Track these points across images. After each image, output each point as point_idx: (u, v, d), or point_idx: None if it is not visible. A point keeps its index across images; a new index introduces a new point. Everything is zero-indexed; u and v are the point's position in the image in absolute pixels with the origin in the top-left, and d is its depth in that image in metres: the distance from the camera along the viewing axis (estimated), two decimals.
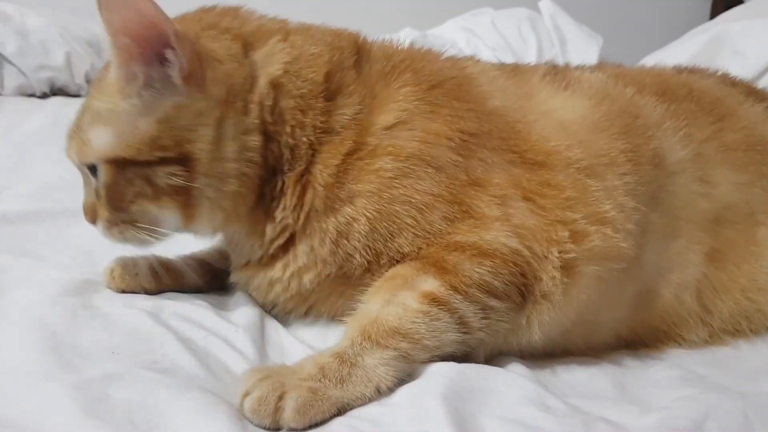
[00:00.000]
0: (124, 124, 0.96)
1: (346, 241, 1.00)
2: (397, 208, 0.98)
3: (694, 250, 1.11)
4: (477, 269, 0.93)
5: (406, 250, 0.98)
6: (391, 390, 0.87)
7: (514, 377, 0.89)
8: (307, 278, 1.03)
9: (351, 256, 1.00)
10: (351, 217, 0.99)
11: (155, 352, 0.90)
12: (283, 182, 1.02)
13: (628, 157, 1.05)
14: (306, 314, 1.09)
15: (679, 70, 1.40)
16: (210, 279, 1.18)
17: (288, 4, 3.33)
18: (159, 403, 0.77)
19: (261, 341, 1.00)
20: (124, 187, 0.98)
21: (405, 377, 0.88)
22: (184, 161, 0.97)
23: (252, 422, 0.80)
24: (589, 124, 1.08)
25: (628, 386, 0.95)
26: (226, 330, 1.00)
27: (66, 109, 2.41)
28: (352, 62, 1.07)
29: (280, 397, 0.81)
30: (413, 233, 0.98)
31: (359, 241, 0.99)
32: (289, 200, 1.02)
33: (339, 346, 0.89)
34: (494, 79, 1.14)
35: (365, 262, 1.00)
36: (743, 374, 1.00)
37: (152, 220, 1.00)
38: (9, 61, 2.69)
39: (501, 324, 0.95)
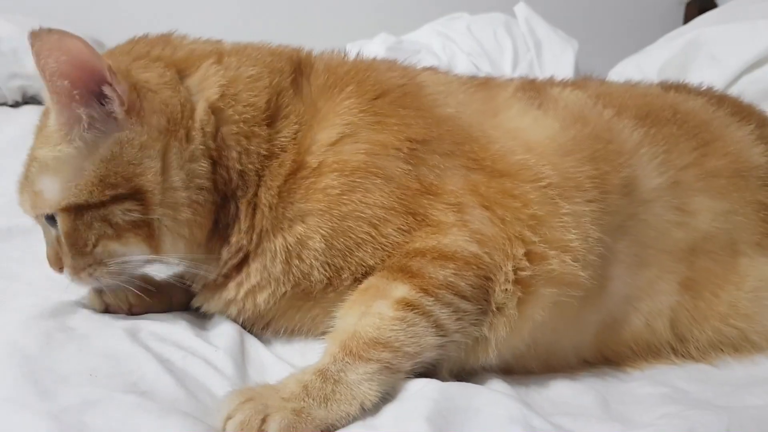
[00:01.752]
0: (71, 169, 0.95)
1: (298, 260, 0.99)
2: (350, 224, 0.97)
3: (666, 280, 1.09)
4: (441, 271, 0.93)
5: (370, 262, 0.98)
6: (375, 406, 0.86)
7: (497, 396, 0.88)
8: (261, 298, 1.02)
9: (308, 273, 0.99)
10: (303, 236, 0.98)
11: (133, 374, 0.88)
12: (237, 207, 1.01)
13: (594, 183, 1.03)
14: (263, 330, 1.08)
15: (666, 88, 1.36)
16: None
17: (263, 13, 3.34)
18: (139, 429, 0.76)
19: (241, 360, 0.99)
20: (85, 232, 0.96)
21: (389, 391, 0.88)
22: (137, 195, 0.96)
23: None
24: (556, 147, 1.05)
25: (612, 403, 0.94)
26: (205, 349, 0.99)
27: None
28: (290, 81, 1.06)
29: (264, 420, 0.79)
30: (372, 246, 0.97)
31: (316, 259, 0.98)
32: (242, 223, 1.01)
33: (321, 363, 0.88)
34: (452, 90, 1.13)
35: (325, 278, 0.99)
36: (726, 388, 1.00)
37: (120, 257, 0.99)
38: None
39: (473, 327, 0.95)
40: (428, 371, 0.95)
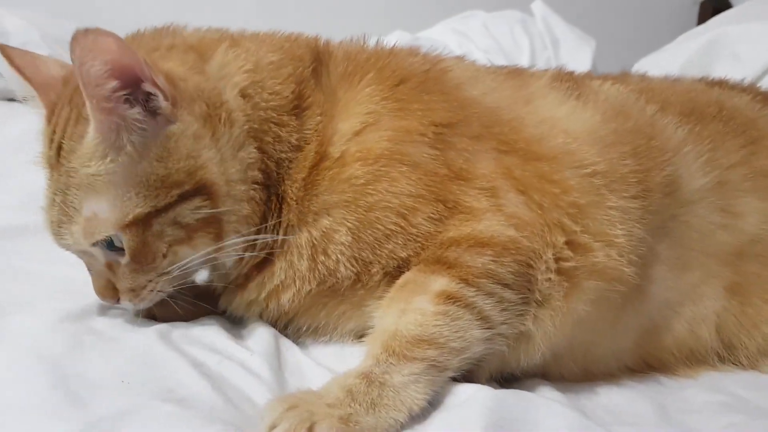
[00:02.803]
0: (126, 178, 0.88)
1: (324, 256, 0.94)
2: (377, 215, 0.92)
3: (710, 284, 1.05)
4: (479, 258, 0.89)
5: (402, 254, 0.93)
6: (423, 413, 0.82)
7: (554, 406, 0.83)
8: (286, 297, 0.98)
9: (334, 269, 0.95)
10: (329, 229, 0.94)
11: (168, 380, 0.83)
12: (269, 204, 0.97)
13: (638, 178, 0.98)
14: (285, 328, 1.03)
15: (711, 84, 1.31)
16: None
17: (275, 11, 3.30)
18: None
19: (277, 364, 0.94)
20: (155, 243, 0.90)
21: (437, 397, 0.84)
22: (203, 190, 0.90)
23: None
24: (596, 139, 1.00)
25: (670, 410, 0.90)
26: (240, 353, 0.94)
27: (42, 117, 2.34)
28: (311, 71, 1.01)
29: (310, 429, 0.75)
30: (403, 237, 0.92)
31: (342, 253, 0.94)
32: (271, 220, 0.96)
33: (364, 365, 0.84)
34: (479, 76, 1.08)
35: (353, 274, 0.95)
36: None
37: (182, 263, 0.93)
38: None
39: (518, 318, 0.91)
40: (466, 376, 0.91)
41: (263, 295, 0.98)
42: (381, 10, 3.37)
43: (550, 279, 0.90)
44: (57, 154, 0.92)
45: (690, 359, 1.05)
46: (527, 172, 0.93)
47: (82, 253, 0.95)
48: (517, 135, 0.97)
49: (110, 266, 0.93)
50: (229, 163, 0.92)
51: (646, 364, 1.04)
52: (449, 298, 0.87)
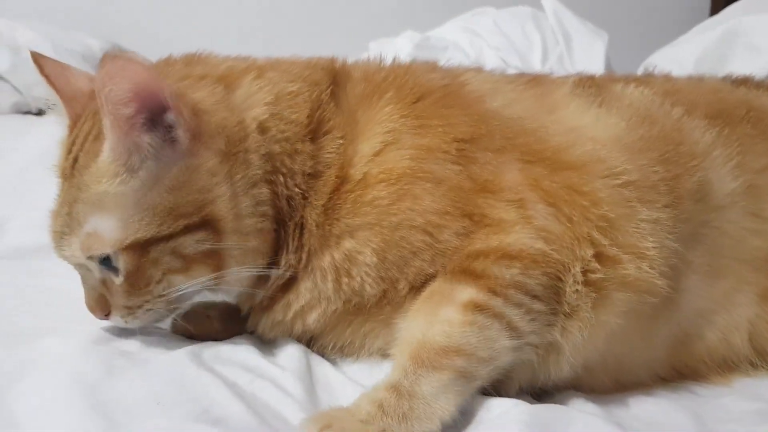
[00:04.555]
0: (134, 202, 0.88)
1: (347, 277, 0.94)
2: (402, 234, 0.92)
3: (743, 291, 1.03)
4: (507, 271, 0.88)
5: (430, 271, 0.93)
6: (456, 423, 0.82)
7: (589, 419, 0.83)
8: (311, 318, 0.98)
9: (359, 289, 0.94)
10: (352, 251, 0.93)
11: (202, 400, 0.83)
12: (285, 232, 0.96)
13: (669, 186, 0.96)
14: (309, 346, 1.03)
15: (735, 82, 1.27)
16: None
17: (285, 11, 3.30)
18: None
19: (309, 381, 0.94)
20: (150, 269, 0.90)
21: (470, 411, 0.84)
22: (209, 224, 0.90)
23: None
24: (623, 147, 0.98)
25: (707, 420, 0.89)
26: (272, 371, 0.94)
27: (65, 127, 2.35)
28: (329, 94, 1.00)
29: None
30: (430, 254, 0.92)
31: (368, 274, 0.93)
32: (290, 245, 0.96)
33: (392, 378, 0.84)
34: (499, 87, 1.06)
35: (380, 292, 0.95)
36: None
37: (178, 289, 0.93)
38: (3, 79, 2.61)
39: (547, 329, 0.90)
40: (497, 388, 0.91)
41: (289, 316, 0.99)
42: (390, 10, 3.37)
43: (577, 290, 0.90)
44: (72, 166, 0.93)
45: (722, 367, 1.04)
46: (555, 183, 0.92)
47: (78, 266, 0.96)
48: (543, 145, 0.95)
49: (105, 282, 0.94)
50: (241, 198, 0.92)
51: (677, 372, 1.03)
52: (477, 307, 0.86)
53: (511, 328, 0.87)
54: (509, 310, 0.87)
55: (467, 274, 0.89)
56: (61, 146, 0.98)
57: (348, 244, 0.93)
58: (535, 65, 2.69)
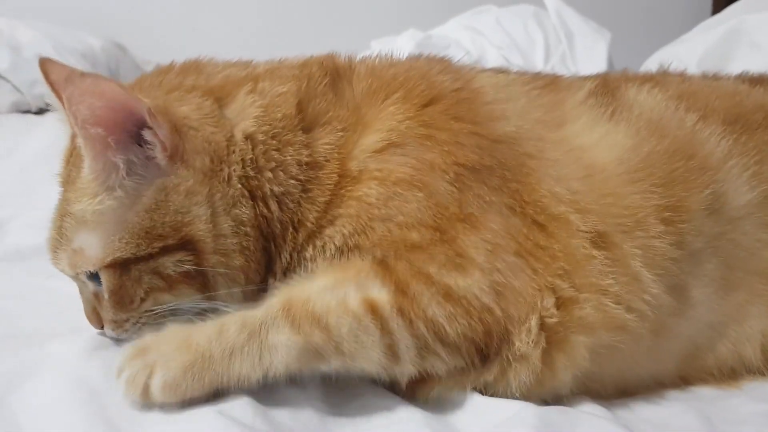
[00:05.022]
0: (113, 222, 0.88)
1: (321, 260, 0.93)
2: (374, 225, 0.90)
3: (756, 304, 1.01)
4: (435, 308, 0.84)
5: (367, 248, 0.90)
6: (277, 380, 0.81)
7: (600, 422, 0.82)
8: None
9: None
10: (329, 236, 0.92)
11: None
12: (276, 244, 0.95)
13: (662, 217, 0.93)
14: None
15: (751, 81, 1.21)
16: None
17: (288, 10, 3.29)
18: None
19: None
20: (132, 287, 0.89)
21: (301, 372, 0.83)
22: (188, 245, 0.89)
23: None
24: (622, 173, 0.95)
25: (716, 421, 0.89)
26: None
27: (66, 126, 2.34)
28: (326, 84, 0.99)
29: (149, 377, 0.78)
30: (384, 240, 0.89)
31: (329, 256, 0.92)
32: (287, 249, 0.95)
33: (251, 312, 0.83)
34: (512, 95, 1.03)
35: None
36: None
37: (167, 307, 0.92)
38: (3, 78, 2.61)
39: (441, 371, 0.87)
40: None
41: None
42: (393, 9, 3.37)
43: (529, 342, 0.87)
44: (67, 178, 0.94)
45: (731, 377, 1.02)
46: (530, 241, 0.90)
47: (73, 278, 0.95)
48: (530, 197, 0.93)
49: (97, 296, 0.93)
50: (222, 218, 0.91)
51: (685, 383, 1.02)
52: (373, 312, 0.83)
53: (391, 351, 0.83)
54: (401, 336, 0.83)
55: (397, 285, 0.85)
56: (63, 155, 0.98)
57: (329, 231, 0.92)
58: (538, 64, 2.69)
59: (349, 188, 0.92)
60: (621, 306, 0.89)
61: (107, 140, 0.85)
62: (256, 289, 0.95)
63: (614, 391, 0.96)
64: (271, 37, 3.24)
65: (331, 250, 0.91)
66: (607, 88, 1.09)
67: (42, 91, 2.62)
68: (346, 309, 0.82)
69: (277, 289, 0.89)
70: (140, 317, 0.92)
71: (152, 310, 0.92)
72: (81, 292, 0.96)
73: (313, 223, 0.93)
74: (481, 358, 0.87)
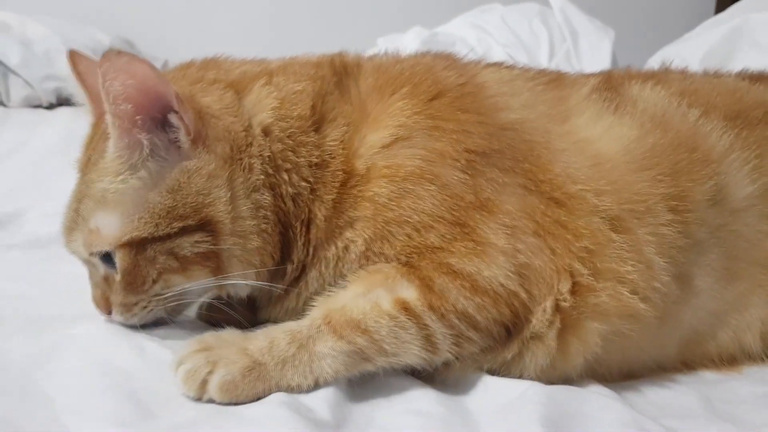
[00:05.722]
0: (134, 201, 0.90)
1: (342, 263, 0.97)
2: (392, 229, 0.93)
3: (757, 293, 1.04)
4: (463, 301, 0.88)
5: (392, 256, 0.94)
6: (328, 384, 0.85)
7: (604, 400, 0.86)
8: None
9: (346, 273, 0.97)
10: (350, 240, 0.96)
11: None
12: (293, 230, 0.98)
13: (669, 205, 0.97)
14: None
15: (753, 79, 1.23)
16: None
17: (293, 7, 3.31)
18: None
19: None
20: (146, 268, 0.92)
21: (352, 376, 0.87)
22: (206, 226, 0.92)
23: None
24: (628, 162, 0.99)
25: (715, 402, 0.92)
26: None
27: (77, 120, 2.37)
28: (333, 84, 1.02)
29: (210, 372, 0.82)
30: (408, 248, 0.93)
31: (353, 261, 0.96)
32: (299, 241, 0.98)
33: (297, 323, 0.88)
34: (516, 89, 1.06)
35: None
36: None
37: (177, 290, 0.95)
38: (14, 72, 2.63)
39: (473, 353, 0.91)
40: None
41: (301, 303, 1.01)
42: (398, 6, 3.38)
43: (546, 320, 0.91)
44: (86, 163, 0.97)
45: (731, 363, 1.06)
46: (547, 217, 0.93)
47: (85, 262, 0.98)
48: (545, 175, 0.96)
49: (107, 279, 0.96)
50: (241, 201, 0.94)
51: (687, 368, 1.05)
52: (407, 310, 0.87)
53: (429, 343, 0.88)
54: (437, 328, 0.88)
55: (423, 282, 0.90)
56: (83, 142, 1.01)
57: (348, 233, 0.96)
58: (542, 62, 2.71)
59: (360, 188, 0.96)
60: (636, 295, 0.92)
61: (135, 118, 0.89)
62: (272, 270, 0.98)
63: (619, 375, 0.99)
64: (278, 34, 3.26)
65: (355, 252, 0.95)
66: (610, 84, 1.12)
67: (53, 85, 2.66)
68: (381, 311, 0.87)
69: (312, 294, 0.96)
70: (150, 300, 0.95)
71: (161, 294, 0.94)
72: (90, 277, 0.99)
73: (322, 221, 0.97)
74: (507, 335, 0.91)
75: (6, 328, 0.95)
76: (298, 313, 1.00)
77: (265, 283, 0.98)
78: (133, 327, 0.97)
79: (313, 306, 0.92)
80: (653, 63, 2.53)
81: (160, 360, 0.90)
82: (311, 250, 0.98)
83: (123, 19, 3.20)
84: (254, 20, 3.32)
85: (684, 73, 1.25)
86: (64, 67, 2.81)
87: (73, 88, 1.03)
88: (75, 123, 2.34)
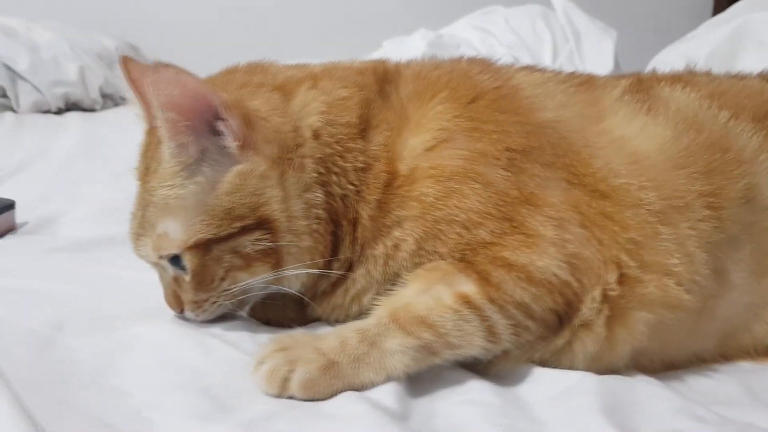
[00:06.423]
0: (195, 205, 0.94)
1: (392, 261, 1.00)
2: (442, 228, 0.97)
3: None
4: (520, 292, 0.92)
5: (446, 254, 0.97)
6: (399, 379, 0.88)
7: (653, 389, 0.90)
8: (366, 299, 1.03)
9: (397, 271, 1.00)
10: (399, 239, 0.99)
11: None
12: (342, 229, 1.02)
13: (706, 202, 1.00)
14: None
15: None
16: None
17: (299, 12, 3.34)
18: None
19: None
20: (214, 267, 0.96)
21: (420, 369, 0.90)
22: (264, 224, 0.96)
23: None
24: (665, 160, 1.02)
25: (757, 390, 0.96)
26: None
27: (91, 125, 2.41)
28: (376, 92, 1.06)
29: (290, 371, 0.85)
30: (461, 246, 0.97)
31: (405, 260, 0.99)
32: (347, 239, 1.02)
33: (364, 323, 0.91)
34: (549, 91, 1.10)
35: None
36: None
37: (242, 285, 0.99)
38: (23, 78, 2.66)
39: (529, 341, 0.95)
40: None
41: (347, 300, 1.04)
42: (400, 9, 3.42)
43: (594, 308, 0.94)
44: (145, 171, 1.00)
45: (767, 354, 1.09)
46: (592, 209, 0.97)
47: (155, 265, 1.02)
48: (586, 169, 1.00)
49: (177, 280, 1.00)
50: (294, 201, 0.98)
51: (725, 359, 1.08)
52: (468, 303, 0.91)
53: (491, 333, 0.91)
54: (497, 319, 0.91)
55: (480, 275, 0.93)
56: (139, 150, 1.04)
57: (397, 232, 0.99)
58: (546, 62, 2.75)
59: (406, 188, 0.99)
60: (682, 287, 0.96)
61: (180, 125, 0.92)
62: (319, 273, 1.02)
63: (660, 366, 1.03)
64: (283, 38, 3.29)
65: (406, 251, 0.99)
66: (641, 86, 1.16)
67: (61, 90, 2.68)
68: (444, 306, 0.91)
69: (380, 298, 0.97)
70: (219, 296, 0.99)
71: (229, 290, 0.99)
72: (161, 278, 1.03)
73: (368, 220, 1.00)
74: (558, 324, 0.95)
75: (71, 328, 0.98)
76: (345, 309, 1.05)
77: (321, 270, 1.01)
78: (193, 326, 1.01)
79: (376, 305, 0.95)
80: (657, 63, 2.58)
81: (226, 357, 0.93)
82: (358, 248, 1.02)
83: (128, 24, 3.22)
84: (258, 24, 3.35)
85: (709, 76, 1.29)
86: (72, 72, 2.84)
87: (125, 92, 1.05)
88: (89, 128, 2.38)
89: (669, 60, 2.42)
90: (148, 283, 1.12)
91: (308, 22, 3.33)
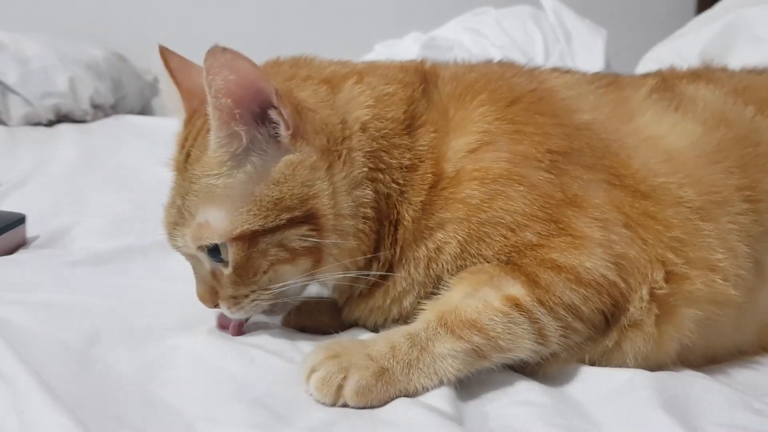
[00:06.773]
0: (242, 194, 0.92)
1: (435, 264, 0.99)
2: (487, 230, 0.96)
3: None
4: (569, 293, 0.92)
5: (490, 257, 0.97)
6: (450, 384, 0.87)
7: (706, 383, 0.90)
8: (408, 302, 1.02)
9: (439, 276, 0.99)
10: (442, 242, 0.98)
11: None
12: (384, 231, 1.01)
13: (744, 195, 1.01)
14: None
15: None
16: None
17: (289, 15, 3.33)
18: None
19: None
20: (258, 260, 0.94)
21: (470, 373, 0.89)
22: (311, 219, 0.94)
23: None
24: (700, 155, 1.03)
25: None
26: None
27: (85, 136, 2.39)
28: (421, 91, 1.05)
29: (344, 378, 0.84)
30: (507, 248, 0.96)
31: (448, 263, 0.98)
32: (386, 240, 1.01)
33: (413, 327, 0.90)
34: (581, 92, 1.11)
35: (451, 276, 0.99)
36: None
37: (282, 281, 0.97)
38: (13, 91, 2.62)
39: (577, 342, 0.95)
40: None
41: (388, 302, 1.03)
42: (391, 12, 3.41)
43: (642, 308, 0.95)
44: (185, 159, 0.98)
45: None
46: (635, 209, 0.97)
47: (189, 257, 1.00)
48: (626, 170, 1.00)
49: (214, 274, 0.98)
50: (342, 197, 0.96)
51: (765, 351, 1.09)
52: (517, 305, 0.90)
53: (540, 335, 0.91)
54: (547, 321, 0.91)
55: (528, 278, 0.93)
56: (176, 140, 1.02)
57: (440, 234, 0.98)
58: (539, 62, 2.75)
59: (451, 190, 0.98)
60: (728, 282, 0.96)
61: (234, 112, 0.90)
62: (363, 266, 1.00)
63: (703, 360, 1.03)
64: (273, 42, 3.25)
65: (450, 254, 0.97)
66: (667, 85, 1.17)
67: (51, 102, 2.65)
68: (493, 309, 0.90)
69: (425, 303, 0.96)
70: (258, 293, 0.97)
71: (268, 289, 0.96)
72: (195, 271, 1.00)
73: (410, 222, 0.99)
74: (606, 325, 0.95)
75: (107, 342, 0.95)
76: (384, 312, 1.04)
77: (361, 271, 1.00)
78: (231, 337, 0.99)
79: (418, 309, 0.94)
80: (648, 60, 2.60)
81: (270, 365, 0.91)
82: (397, 249, 1.01)
83: (115, 34, 3.18)
84: (248, 30, 3.31)
85: (727, 71, 1.31)
86: (61, 83, 2.80)
87: (164, 85, 1.04)
88: (84, 139, 2.35)
89: (661, 58, 2.43)
90: (178, 294, 1.11)
91: (299, 26, 3.31)
